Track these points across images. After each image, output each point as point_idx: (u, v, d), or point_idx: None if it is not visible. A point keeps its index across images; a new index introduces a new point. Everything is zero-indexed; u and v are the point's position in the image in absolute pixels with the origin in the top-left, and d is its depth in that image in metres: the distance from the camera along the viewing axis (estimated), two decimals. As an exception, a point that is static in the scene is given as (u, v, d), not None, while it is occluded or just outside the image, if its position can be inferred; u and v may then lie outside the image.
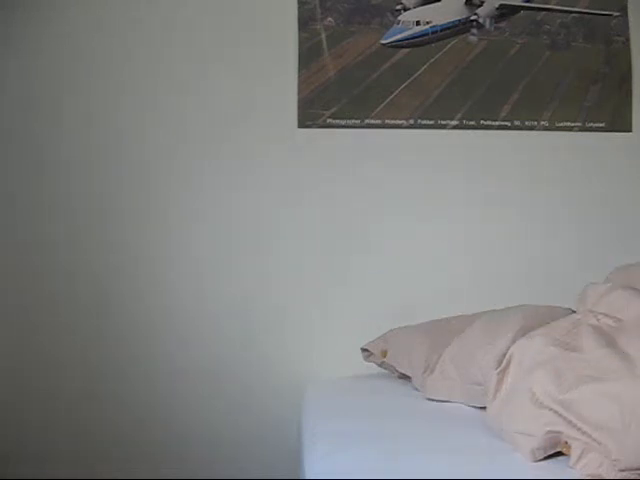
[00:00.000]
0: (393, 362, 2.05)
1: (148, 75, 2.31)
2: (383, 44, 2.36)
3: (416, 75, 2.37)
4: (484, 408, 1.59)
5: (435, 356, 1.90)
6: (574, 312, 1.74)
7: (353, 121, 2.35)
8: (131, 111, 2.30)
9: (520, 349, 1.54)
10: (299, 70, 2.33)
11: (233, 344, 2.31)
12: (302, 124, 2.34)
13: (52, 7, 2.29)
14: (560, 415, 1.29)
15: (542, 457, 1.31)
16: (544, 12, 2.42)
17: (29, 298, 2.27)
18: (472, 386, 1.72)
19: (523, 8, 2.41)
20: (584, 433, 1.23)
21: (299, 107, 2.33)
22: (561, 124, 2.40)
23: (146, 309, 2.30)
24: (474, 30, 2.39)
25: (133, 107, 2.31)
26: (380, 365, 2.12)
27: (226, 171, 2.33)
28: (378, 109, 2.35)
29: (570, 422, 1.27)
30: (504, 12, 2.41)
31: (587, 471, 1.22)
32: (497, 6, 2.40)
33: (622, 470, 1.16)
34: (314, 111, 2.34)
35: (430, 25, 2.37)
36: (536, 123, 2.40)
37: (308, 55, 2.33)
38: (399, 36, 2.36)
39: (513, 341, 1.61)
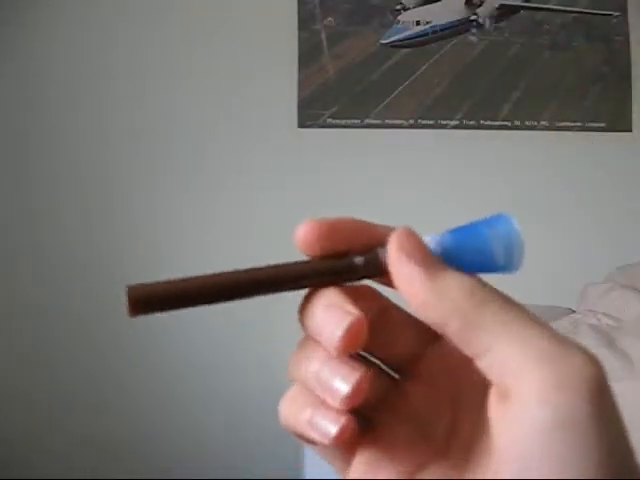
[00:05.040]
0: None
1: (147, 75, 2.31)
2: (383, 44, 2.36)
3: (416, 75, 2.37)
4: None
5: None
6: (574, 312, 1.73)
7: (353, 121, 2.35)
8: (127, 111, 2.31)
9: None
10: (299, 70, 2.33)
11: (233, 344, 2.31)
12: (302, 124, 2.34)
13: (57, 7, 2.29)
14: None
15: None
16: (544, 12, 2.42)
17: (23, 301, 2.28)
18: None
19: (523, 8, 2.42)
20: (584, 433, 1.23)
21: (299, 107, 2.33)
22: (561, 124, 2.41)
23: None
24: (474, 30, 2.39)
25: (130, 107, 2.31)
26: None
27: (226, 171, 2.33)
28: (378, 109, 2.35)
29: (570, 422, 1.26)
30: (504, 12, 2.41)
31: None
32: (497, 6, 2.40)
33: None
34: (314, 111, 2.34)
35: (430, 25, 2.37)
36: (536, 123, 2.40)
37: (308, 55, 2.34)
38: (399, 36, 2.36)
39: (513, 341, 1.61)
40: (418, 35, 2.37)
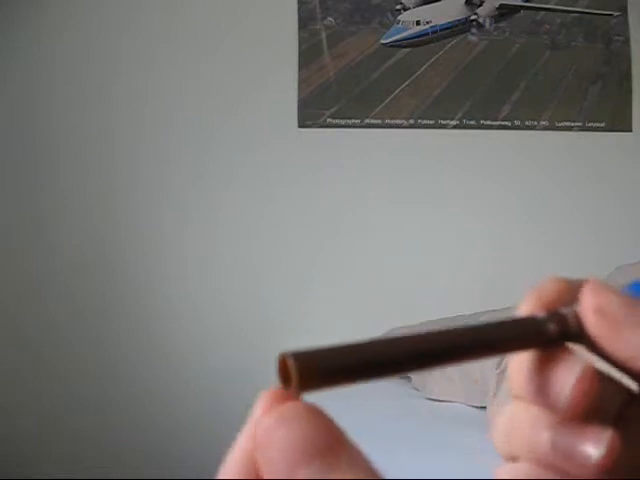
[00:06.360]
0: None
1: (146, 74, 2.31)
2: (383, 44, 2.36)
3: (416, 75, 2.37)
4: (484, 408, 1.59)
5: (435, 356, 1.89)
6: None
7: (353, 121, 2.35)
8: (126, 111, 2.31)
9: (520, 349, 1.54)
10: (299, 70, 2.33)
11: (232, 344, 2.31)
12: (302, 124, 2.34)
13: (62, 7, 2.29)
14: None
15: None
16: (544, 12, 2.42)
17: (26, 301, 2.28)
18: (472, 386, 1.72)
19: (523, 8, 2.42)
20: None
21: (299, 107, 2.33)
22: (561, 124, 2.41)
23: (143, 311, 2.30)
24: (474, 30, 2.39)
25: (128, 106, 2.31)
26: (380, 365, 2.12)
27: (226, 171, 2.33)
28: (378, 109, 2.35)
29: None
30: (504, 12, 2.41)
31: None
32: (497, 6, 2.40)
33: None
34: (314, 111, 2.34)
35: (430, 25, 2.37)
36: (536, 123, 2.40)
37: (308, 55, 2.34)
38: (399, 36, 2.36)
39: (513, 341, 1.61)
40: (418, 35, 2.37)
